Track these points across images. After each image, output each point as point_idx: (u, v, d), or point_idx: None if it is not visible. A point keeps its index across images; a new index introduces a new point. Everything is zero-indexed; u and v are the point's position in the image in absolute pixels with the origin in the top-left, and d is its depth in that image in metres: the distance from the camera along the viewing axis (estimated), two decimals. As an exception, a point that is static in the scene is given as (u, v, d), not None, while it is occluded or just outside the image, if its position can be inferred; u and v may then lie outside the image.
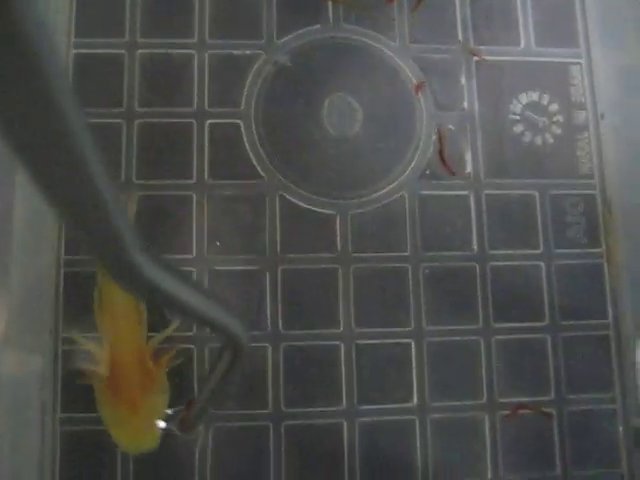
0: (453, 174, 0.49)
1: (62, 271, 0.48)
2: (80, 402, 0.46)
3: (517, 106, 0.53)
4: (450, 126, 0.52)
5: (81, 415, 0.46)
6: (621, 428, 0.50)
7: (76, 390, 0.46)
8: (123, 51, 0.52)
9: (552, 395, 0.50)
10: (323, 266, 0.49)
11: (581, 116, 0.53)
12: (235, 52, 0.52)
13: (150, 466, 0.46)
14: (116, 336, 0.44)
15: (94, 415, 0.44)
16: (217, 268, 0.49)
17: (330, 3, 0.53)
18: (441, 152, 0.50)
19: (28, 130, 0.16)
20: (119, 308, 0.44)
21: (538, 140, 0.52)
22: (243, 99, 0.51)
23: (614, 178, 0.52)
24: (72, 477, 0.46)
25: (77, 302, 0.47)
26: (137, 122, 0.51)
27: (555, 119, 0.53)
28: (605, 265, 0.51)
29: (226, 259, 0.49)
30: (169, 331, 0.46)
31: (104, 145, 0.50)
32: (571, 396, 0.50)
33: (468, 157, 0.52)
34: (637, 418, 0.50)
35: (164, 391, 0.45)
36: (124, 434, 0.43)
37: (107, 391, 0.43)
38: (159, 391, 0.44)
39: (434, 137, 0.51)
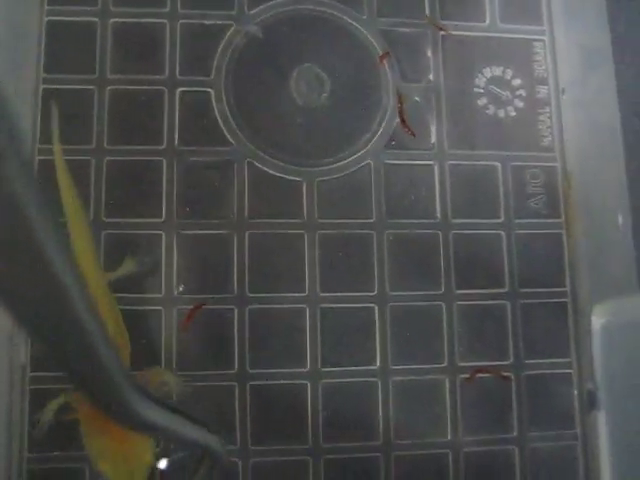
0: (414, 135, 0.51)
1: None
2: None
3: (481, 80, 0.54)
4: (416, 98, 0.53)
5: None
6: (576, 391, 0.52)
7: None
8: (96, 19, 0.52)
9: (511, 359, 0.51)
10: (290, 231, 0.51)
11: (543, 91, 0.55)
12: (206, 22, 0.53)
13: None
14: None
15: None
16: (185, 232, 0.50)
17: (301, -24, 0.54)
18: (401, 114, 0.51)
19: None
20: None
21: (501, 113, 0.54)
22: (214, 68, 0.52)
23: (574, 152, 0.54)
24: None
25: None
26: (109, 89, 0.51)
27: (518, 93, 0.54)
28: (564, 236, 0.53)
29: (194, 223, 0.50)
30: (121, 271, 0.47)
31: (75, 112, 0.51)
32: (529, 361, 0.52)
33: (433, 128, 0.53)
34: (590, 382, 0.51)
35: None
36: (114, 467, 0.40)
37: (93, 422, 0.41)
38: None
39: (399, 105, 0.52)
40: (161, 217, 0.50)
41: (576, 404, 0.52)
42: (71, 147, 0.48)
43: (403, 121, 0.50)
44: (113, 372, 0.22)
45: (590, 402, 0.51)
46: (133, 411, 0.24)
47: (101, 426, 0.40)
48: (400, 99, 0.52)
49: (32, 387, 0.47)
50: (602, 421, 0.51)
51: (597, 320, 0.51)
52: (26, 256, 0.16)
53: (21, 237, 0.15)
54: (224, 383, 0.49)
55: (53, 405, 0.46)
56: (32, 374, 0.48)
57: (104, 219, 0.49)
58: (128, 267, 0.48)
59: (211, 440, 0.33)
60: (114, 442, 0.40)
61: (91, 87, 0.51)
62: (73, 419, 0.42)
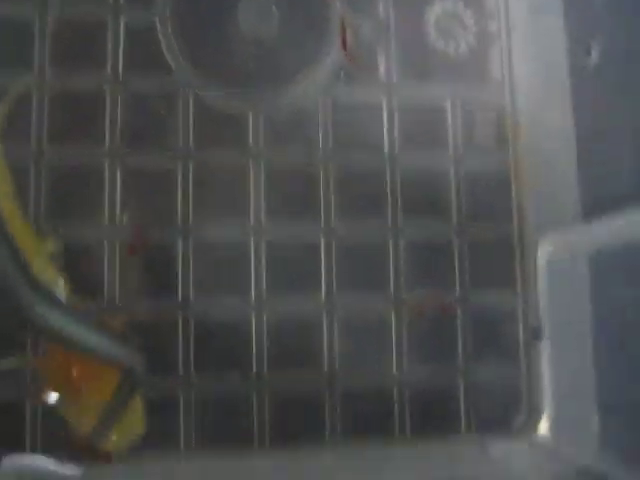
0: (354, 63, 0.50)
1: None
2: None
3: (432, 14, 0.53)
4: (365, 31, 0.53)
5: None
6: (521, 326, 0.52)
7: None
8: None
9: (457, 293, 0.52)
10: (235, 161, 0.50)
11: (493, 27, 0.54)
12: (152, -51, 0.52)
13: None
14: None
15: None
16: (129, 164, 0.49)
17: None
18: (343, 40, 0.50)
19: None
20: None
21: (451, 48, 0.53)
22: (160, -3, 0.51)
23: (523, 88, 0.54)
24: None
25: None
26: (50, 17, 0.50)
27: (468, 28, 0.54)
28: (512, 172, 0.53)
29: (138, 154, 0.49)
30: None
31: (14, 39, 0.49)
32: (474, 294, 0.52)
33: (382, 62, 0.53)
34: (535, 316, 0.52)
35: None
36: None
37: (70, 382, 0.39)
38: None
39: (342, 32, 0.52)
40: (104, 147, 0.49)
41: (520, 338, 0.52)
42: (8, 70, 0.47)
43: (345, 48, 0.50)
44: (11, 271, 0.21)
45: (534, 335, 0.52)
46: (37, 315, 0.23)
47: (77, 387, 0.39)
48: (343, 25, 0.51)
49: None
50: (545, 354, 0.51)
51: (542, 254, 0.52)
52: None
53: None
54: (167, 314, 0.48)
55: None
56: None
57: (45, 148, 0.48)
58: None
59: (127, 355, 0.32)
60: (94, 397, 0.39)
61: (31, 14, 0.50)
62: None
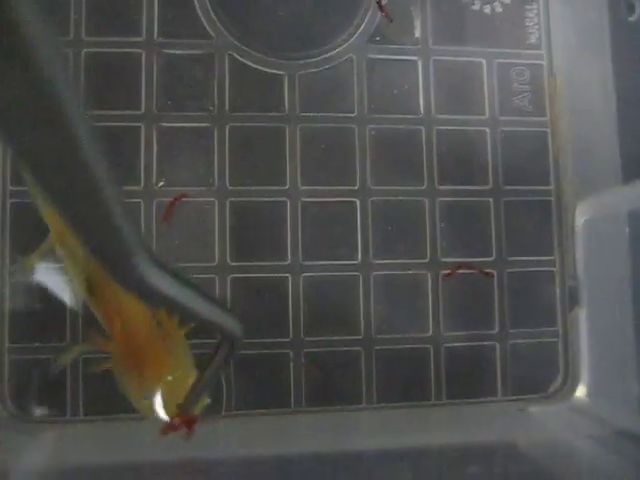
0: (391, 20, 0.50)
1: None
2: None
3: (467, -25, 0.53)
4: (400, -8, 0.52)
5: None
6: (558, 290, 0.52)
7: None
8: None
9: (493, 256, 0.51)
10: (271, 125, 0.50)
11: (530, -14, 0.53)
12: None
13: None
14: (118, 306, 0.40)
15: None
16: (165, 125, 0.49)
17: None
18: (379, 2, 0.50)
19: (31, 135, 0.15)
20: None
21: (487, 9, 0.53)
22: (194, -40, 0.51)
23: (560, 49, 0.53)
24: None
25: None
26: (86, -19, 0.50)
27: (505, -11, 0.53)
28: (549, 134, 0.52)
29: (174, 116, 0.49)
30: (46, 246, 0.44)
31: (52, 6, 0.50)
32: (511, 258, 0.51)
33: (417, 23, 0.52)
34: (572, 279, 0.51)
35: (186, 352, 0.41)
36: (162, 400, 0.39)
37: (124, 365, 0.39)
38: (179, 351, 0.40)
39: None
40: (140, 109, 0.49)
41: (558, 302, 0.52)
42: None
43: (380, 5, 0.49)
44: (124, 230, 0.20)
45: (571, 299, 0.51)
46: (141, 276, 0.22)
47: (134, 365, 0.39)
48: (379, -16, 0.51)
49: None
50: (582, 318, 0.51)
51: (580, 217, 0.51)
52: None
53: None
54: (204, 275, 0.48)
55: (75, 350, 0.45)
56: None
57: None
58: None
59: (229, 320, 0.31)
60: (153, 376, 0.39)
61: (68, -21, 0.50)
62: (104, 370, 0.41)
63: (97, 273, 0.40)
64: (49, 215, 0.42)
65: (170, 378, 0.39)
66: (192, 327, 0.41)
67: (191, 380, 0.37)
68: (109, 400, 0.45)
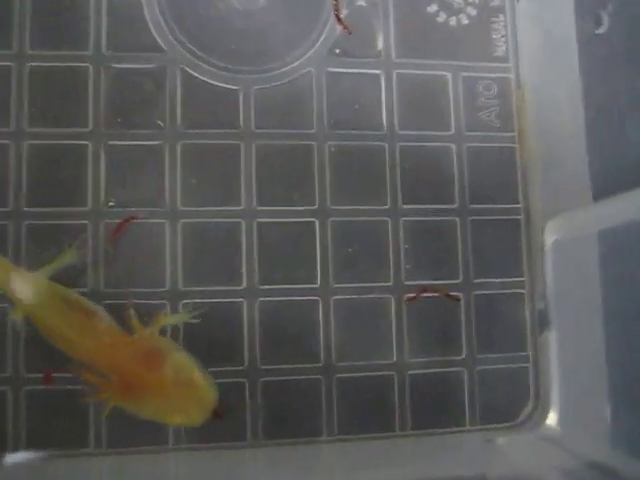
0: (350, 33, 0.48)
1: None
2: None
3: (431, -15, 0.51)
4: (361, 2, 0.50)
5: None
6: (527, 312, 0.49)
7: None
8: None
9: (460, 278, 0.49)
10: (225, 142, 0.48)
11: (497, -2, 0.52)
12: None
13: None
14: (86, 345, 0.41)
15: None
16: (114, 143, 0.47)
17: None
18: (336, 11, 0.48)
19: None
20: (60, 322, 0.41)
21: (452, 21, 0.51)
22: (145, -30, 0.49)
23: (528, 63, 0.51)
24: None
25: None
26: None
27: (470, 0, 0.51)
28: (517, 150, 0.50)
29: (123, 134, 0.47)
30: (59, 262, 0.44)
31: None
32: (479, 280, 0.49)
33: (380, 35, 0.50)
34: (542, 301, 0.49)
35: (174, 349, 0.42)
36: (180, 413, 0.40)
37: (129, 395, 0.40)
38: (170, 353, 0.41)
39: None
40: (87, 126, 0.47)
41: (528, 325, 0.49)
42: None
43: (338, 18, 0.47)
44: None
45: (541, 322, 0.49)
46: None
47: (142, 392, 0.40)
48: (337, -2, 0.48)
49: None
50: (553, 341, 0.49)
51: (550, 236, 0.49)
52: None
53: None
54: (154, 301, 0.46)
55: None
56: None
57: (26, 129, 0.46)
58: (67, 258, 0.45)
59: None
60: (159, 394, 0.40)
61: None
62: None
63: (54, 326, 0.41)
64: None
65: (178, 380, 0.40)
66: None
67: (195, 371, 0.40)
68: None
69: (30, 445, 0.44)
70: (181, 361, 0.41)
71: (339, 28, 0.48)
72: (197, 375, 0.40)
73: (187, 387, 0.40)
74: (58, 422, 0.45)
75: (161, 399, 0.40)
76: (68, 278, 0.45)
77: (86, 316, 0.42)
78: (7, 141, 0.46)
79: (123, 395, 0.40)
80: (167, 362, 0.40)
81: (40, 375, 0.44)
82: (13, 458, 0.44)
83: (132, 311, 0.43)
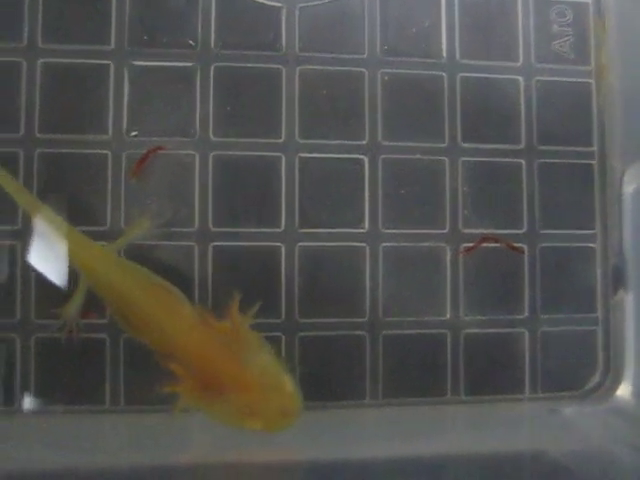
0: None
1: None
2: None
3: None
4: None
5: None
6: (599, 269, 0.44)
7: None
8: None
9: (524, 228, 0.44)
10: (265, 66, 0.42)
11: None
12: None
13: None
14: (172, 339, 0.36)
15: None
16: (139, 63, 0.41)
17: None
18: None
19: None
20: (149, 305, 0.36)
21: (524, -63, 0.45)
22: None
23: (610, -15, 0.45)
24: None
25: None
26: None
27: None
28: (594, 85, 0.45)
29: (150, 53, 0.42)
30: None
31: None
32: (546, 231, 0.44)
33: (440, -49, 0.44)
34: (618, 257, 0.43)
35: (264, 347, 0.37)
36: (260, 418, 0.35)
37: (208, 390, 0.35)
38: (259, 351, 0.36)
39: None
40: (109, 44, 0.41)
41: (599, 283, 0.44)
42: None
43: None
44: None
45: (615, 280, 0.44)
46: None
47: (222, 388, 0.35)
48: None
49: None
50: (628, 302, 0.43)
51: (629, 184, 0.43)
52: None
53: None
54: (181, 243, 0.41)
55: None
56: None
57: (40, 45, 0.41)
58: (140, 229, 0.40)
59: None
60: (246, 396, 0.34)
61: None
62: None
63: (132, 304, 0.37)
64: (79, 260, 0.38)
65: (263, 382, 0.35)
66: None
67: (283, 375, 0.35)
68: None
69: (40, 398, 0.40)
70: (269, 362, 0.36)
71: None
72: (284, 379, 0.35)
73: (272, 391, 0.35)
74: (71, 375, 0.40)
75: (241, 400, 0.35)
76: (83, 215, 0.40)
77: (167, 296, 0.37)
78: (19, 58, 0.41)
79: (201, 389, 0.35)
80: (255, 360, 0.35)
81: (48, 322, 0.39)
82: (21, 410, 0.40)
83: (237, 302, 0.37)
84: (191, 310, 0.36)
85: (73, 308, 0.38)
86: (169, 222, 0.40)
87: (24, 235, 0.39)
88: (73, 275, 0.38)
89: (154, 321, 0.35)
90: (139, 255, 0.40)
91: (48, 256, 0.39)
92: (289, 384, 0.35)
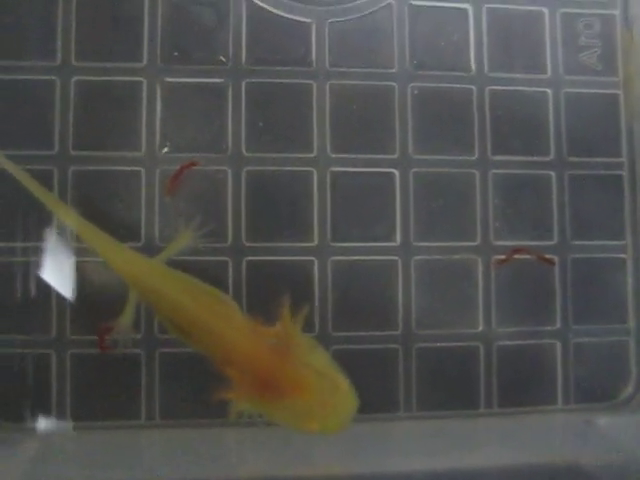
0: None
1: None
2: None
3: None
4: None
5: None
6: (630, 279, 0.44)
7: None
8: None
9: (555, 240, 0.44)
10: (295, 81, 0.42)
11: None
12: None
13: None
14: (225, 336, 0.36)
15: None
16: (171, 80, 0.42)
17: None
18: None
19: None
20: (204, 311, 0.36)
21: (550, -51, 0.45)
22: None
23: (637, -4, 0.45)
24: None
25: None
26: None
27: None
28: (622, 96, 0.45)
29: (182, 70, 0.42)
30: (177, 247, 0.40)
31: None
32: (576, 242, 0.44)
33: (468, -36, 0.44)
34: (650, 267, 0.43)
35: (317, 349, 0.37)
36: (317, 419, 0.34)
37: (264, 394, 0.35)
38: (313, 353, 0.36)
39: None
40: (142, 61, 0.42)
41: (629, 294, 0.44)
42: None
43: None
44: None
45: (647, 290, 0.44)
46: None
47: (278, 392, 0.34)
48: None
49: None
50: (661, 312, 0.43)
51: (659, 193, 0.43)
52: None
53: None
54: (215, 258, 0.41)
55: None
56: None
57: (74, 63, 0.41)
58: (184, 241, 0.40)
59: None
60: (302, 399, 0.34)
61: None
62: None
63: (185, 313, 0.36)
64: (123, 270, 0.38)
65: (319, 383, 0.34)
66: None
67: (338, 375, 0.35)
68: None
69: (75, 414, 0.40)
70: (324, 362, 0.36)
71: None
72: (340, 379, 0.35)
73: (328, 392, 0.35)
74: (106, 390, 0.40)
75: (298, 402, 0.34)
76: (120, 231, 0.40)
77: (219, 304, 0.37)
78: (53, 77, 0.41)
79: (258, 394, 0.35)
80: (309, 362, 0.35)
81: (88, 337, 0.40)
82: (55, 427, 0.40)
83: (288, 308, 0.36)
84: (243, 316, 0.37)
85: (126, 321, 0.39)
86: (207, 236, 0.40)
87: (66, 251, 0.40)
88: (123, 288, 0.38)
89: (208, 328, 0.35)
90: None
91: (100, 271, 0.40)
92: (344, 385, 0.34)
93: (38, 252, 0.40)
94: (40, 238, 0.40)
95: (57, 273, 0.40)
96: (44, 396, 0.40)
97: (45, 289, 0.40)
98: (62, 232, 0.40)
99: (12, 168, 0.39)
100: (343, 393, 0.35)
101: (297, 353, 0.35)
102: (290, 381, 0.34)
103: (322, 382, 0.35)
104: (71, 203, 0.41)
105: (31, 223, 0.40)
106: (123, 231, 0.40)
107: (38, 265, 0.40)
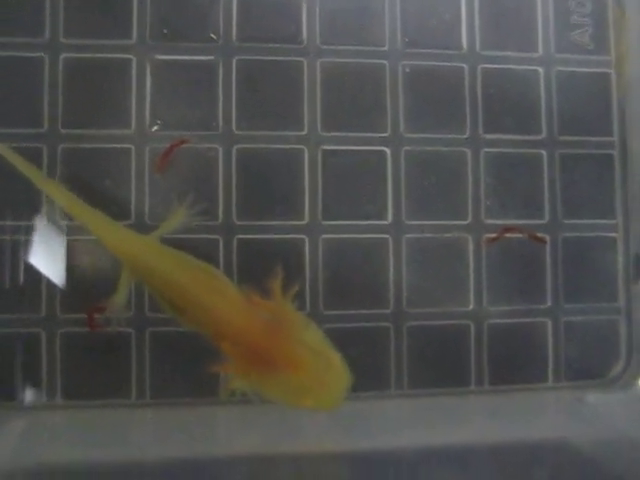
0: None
1: None
2: None
3: None
4: None
5: None
6: (621, 258, 0.44)
7: None
8: None
9: (546, 218, 0.44)
10: (286, 58, 0.42)
11: None
12: None
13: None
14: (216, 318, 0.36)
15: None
16: (161, 57, 0.42)
17: None
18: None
19: None
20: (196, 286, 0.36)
21: None
22: None
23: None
24: None
25: None
26: None
27: None
28: (613, 75, 0.45)
29: (171, 47, 0.42)
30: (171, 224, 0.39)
31: None
32: (567, 221, 0.44)
33: (460, -57, 0.44)
34: (638, 246, 0.44)
35: (310, 325, 0.37)
36: (311, 396, 0.35)
37: (258, 370, 0.35)
38: (306, 329, 0.36)
39: None
40: (132, 38, 0.41)
41: (620, 273, 0.44)
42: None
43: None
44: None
45: (637, 269, 0.44)
46: None
47: (272, 368, 0.34)
48: None
49: None
50: (651, 291, 0.43)
51: (650, 173, 0.44)
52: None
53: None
54: (205, 236, 0.41)
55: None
56: None
57: (62, 40, 0.41)
58: (178, 218, 0.40)
59: None
60: (297, 375, 0.34)
61: None
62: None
63: (179, 289, 0.36)
64: (117, 248, 0.38)
65: (313, 359, 0.35)
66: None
67: (332, 351, 0.35)
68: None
69: (65, 393, 0.40)
70: (317, 339, 0.36)
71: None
72: (334, 356, 0.35)
73: (322, 368, 0.35)
74: (97, 369, 0.40)
75: (292, 379, 0.34)
76: (110, 209, 0.40)
77: (213, 279, 0.37)
78: (41, 54, 0.41)
79: (252, 369, 0.35)
80: (303, 338, 0.35)
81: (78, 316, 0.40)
82: (45, 405, 0.40)
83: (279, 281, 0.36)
84: (236, 290, 0.36)
85: (120, 300, 0.39)
86: (199, 214, 0.40)
87: (57, 230, 0.39)
88: (114, 267, 0.38)
89: (203, 303, 0.35)
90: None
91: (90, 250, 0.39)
92: (338, 362, 0.35)
93: (28, 231, 0.40)
94: (30, 217, 0.40)
95: (47, 252, 0.40)
96: (34, 375, 0.40)
97: (35, 268, 0.40)
98: (52, 210, 0.40)
99: (0, 147, 0.38)
100: (337, 370, 0.35)
101: (291, 329, 0.35)
102: (284, 357, 0.34)
103: (316, 359, 0.35)
104: (61, 181, 0.40)
105: (21, 201, 0.40)
106: (114, 209, 0.40)
107: (28, 244, 0.40)
